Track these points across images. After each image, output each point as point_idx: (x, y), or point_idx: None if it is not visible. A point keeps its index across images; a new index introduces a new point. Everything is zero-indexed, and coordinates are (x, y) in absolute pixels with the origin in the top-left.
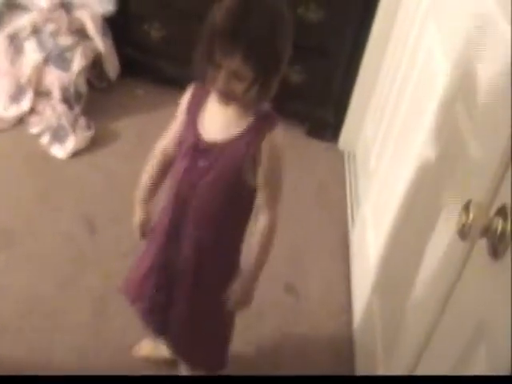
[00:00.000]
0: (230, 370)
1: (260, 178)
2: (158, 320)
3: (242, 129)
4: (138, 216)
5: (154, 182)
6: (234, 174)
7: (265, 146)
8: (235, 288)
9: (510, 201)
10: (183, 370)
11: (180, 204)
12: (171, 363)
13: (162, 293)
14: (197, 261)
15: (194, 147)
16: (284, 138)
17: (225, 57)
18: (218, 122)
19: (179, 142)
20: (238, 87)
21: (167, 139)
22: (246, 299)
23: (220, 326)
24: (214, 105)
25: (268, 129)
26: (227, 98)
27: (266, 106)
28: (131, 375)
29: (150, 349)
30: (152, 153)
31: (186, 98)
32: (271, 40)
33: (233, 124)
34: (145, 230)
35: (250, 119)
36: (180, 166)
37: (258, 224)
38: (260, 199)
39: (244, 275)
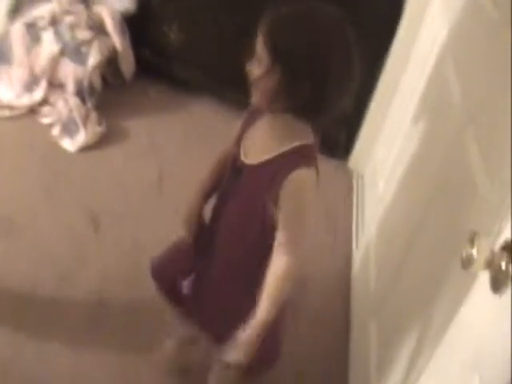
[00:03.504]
0: None
1: (279, 214)
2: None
3: (276, 156)
4: (188, 214)
5: (207, 185)
6: (257, 200)
7: (289, 182)
8: (239, 337)
9: None
10: (212, 380)
11: (216, 216)
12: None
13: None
14: (220, 269)
15: (233, 165)
16: (315, 181)
17: (257, 39)
18: (258, 143)
19: (230, 153)
20: (256, 69)
21: (226, 147)
22: (247, 350)
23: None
24: (260, 126)
25: (299, 164)
26: (251, 83)
27: (309, 141)
28: None
29: (173, 353)
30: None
31: (244, 114)
32: (299, 39)
33: (270, 148)
34: (192, 230)
35: (287, 148)
36: (224, 179)
37: (270, 267)
38: (276, 239)
39: (251, 324)
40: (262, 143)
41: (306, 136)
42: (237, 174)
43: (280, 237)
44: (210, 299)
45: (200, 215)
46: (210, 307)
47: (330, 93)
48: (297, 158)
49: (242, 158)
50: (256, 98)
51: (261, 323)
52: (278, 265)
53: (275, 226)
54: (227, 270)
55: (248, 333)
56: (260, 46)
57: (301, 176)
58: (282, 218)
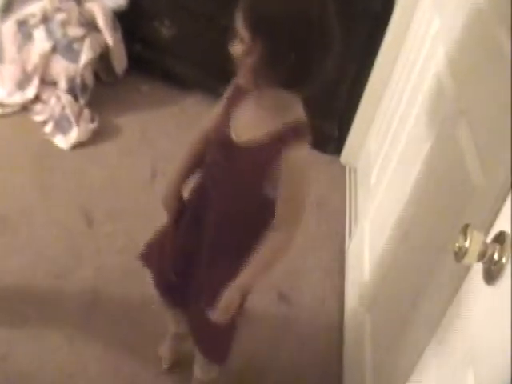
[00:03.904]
0: None
1: (278, 193)
2: (174, 295)
3: (269, 134)
4: (169, 190)
5: (189, 161)
6: (252, 181)
7: (288, 160)
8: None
9: (508, 228)
10: (197, 368)
11: (203, 194)
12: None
13: (179, 274)
14: (214, 248)
15: (222, 143)
16: (309, 155)
17: (236, 17)
18: (248, 122)
19: (215, 131)
20: (238, 48)
21: (209, 121)
22: (226, 308)
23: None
24: (249, 104)
25: (294, 141)
26: (235, 62)
27: (301, 116)
28: None
29: (172, 351)
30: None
31: (229, 88)
32: (278, 10)
33: (261, 127)
34: (172, 209)
35: (279, 126)
36: (208, 158)
37: (266, 240)
38: (276, 215)
39: (234, 283)
40: (253, 121)
41: (295, 109)
42: (228, 154)
43: (278, 213)
44: (202, 278)
45: (180, 194)
46: (203, 287)
47: (314, 62)
48: (293, 135)
49: (234, 138)
50: (241, 76)
51: (242, 285)
52: (275, 239)
53: (273, 202)
54: (222, 248)
55: (228, 293)
56: (240, 24)
57: (299, 153)
58: (282, 195)
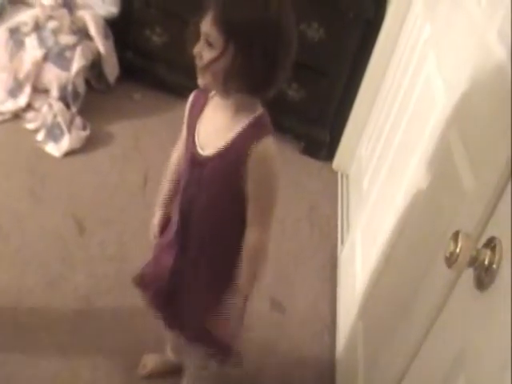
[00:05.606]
0: None
1: (248, 190)
2: (168, 313)
3: (235, 137)
4: (156, 219)
5: (171, 187)
6: (226, 184)
7: (253, 155)
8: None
9: (499, 233)
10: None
11: (184, 216)
12: (177, 373)
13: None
14: (200, 262)
15: (192, 159)
16: (277, 149)
17: (202, 19)
18: (213, 132)
19: (184, 152)
20: (208, 54)
21: (179, 146)
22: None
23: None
24: (209, 113)
25: (258, 136)
26: (200, 67)
27: (260, 111)
28: None
29: (155, 362)
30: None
31: (187, 106)
32: (252, 15)
33: (225, 133)
34: (160, 232)
35: (244, 126)
36: (182, 178)
37: (246, 240)
38: (248, 213)
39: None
40: (217, 129)
41: (255, 106)
42: (198, 168)
43: (251, 210)
44: (193, 292)
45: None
46: (191, 302)
47: (280, 66)
48: (255, 130)
49: (200, 151)
50: (207, 81)
51: (244, 288)
52: (252, 236)
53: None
54: (209, 259)
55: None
56: (210, 28)
57: (263, 146)
58: (251, 190)
